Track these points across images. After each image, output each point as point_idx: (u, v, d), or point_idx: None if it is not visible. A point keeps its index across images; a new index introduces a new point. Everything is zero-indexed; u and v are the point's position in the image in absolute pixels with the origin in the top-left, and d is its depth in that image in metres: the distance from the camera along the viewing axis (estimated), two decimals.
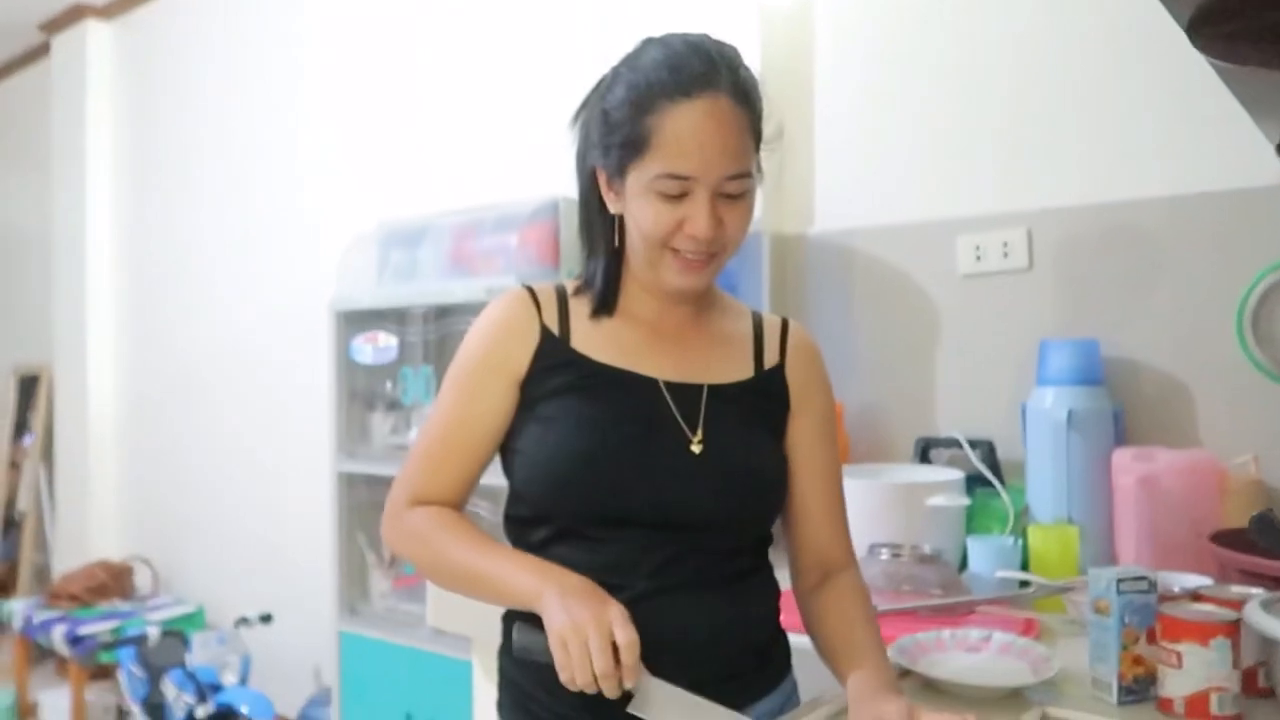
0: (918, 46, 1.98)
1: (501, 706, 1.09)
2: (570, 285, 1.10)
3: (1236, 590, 1.16)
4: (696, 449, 1.01)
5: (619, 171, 1.01)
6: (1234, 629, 1.01)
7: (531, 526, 1.05)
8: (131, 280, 3.98)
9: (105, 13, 4.04)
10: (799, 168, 2.13)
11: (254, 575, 3.38)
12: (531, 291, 1.08)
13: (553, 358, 1.04)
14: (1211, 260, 1.64)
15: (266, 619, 2.99)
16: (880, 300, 1.99)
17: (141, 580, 3.70)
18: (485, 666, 1.71)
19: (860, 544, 1.54)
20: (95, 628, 3.24)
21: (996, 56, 1.87)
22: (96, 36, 4.04)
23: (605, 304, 1.07)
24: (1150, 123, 1.71)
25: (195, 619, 3.45)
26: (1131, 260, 1.71)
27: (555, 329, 1.05)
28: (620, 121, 0.99)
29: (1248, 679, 1.04)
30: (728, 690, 0.98)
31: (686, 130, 0.95)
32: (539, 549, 1.03)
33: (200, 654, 2.79)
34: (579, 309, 1.08)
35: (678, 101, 0.95)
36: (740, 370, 1.08)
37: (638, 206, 0.99)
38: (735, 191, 0.98)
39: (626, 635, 0.87)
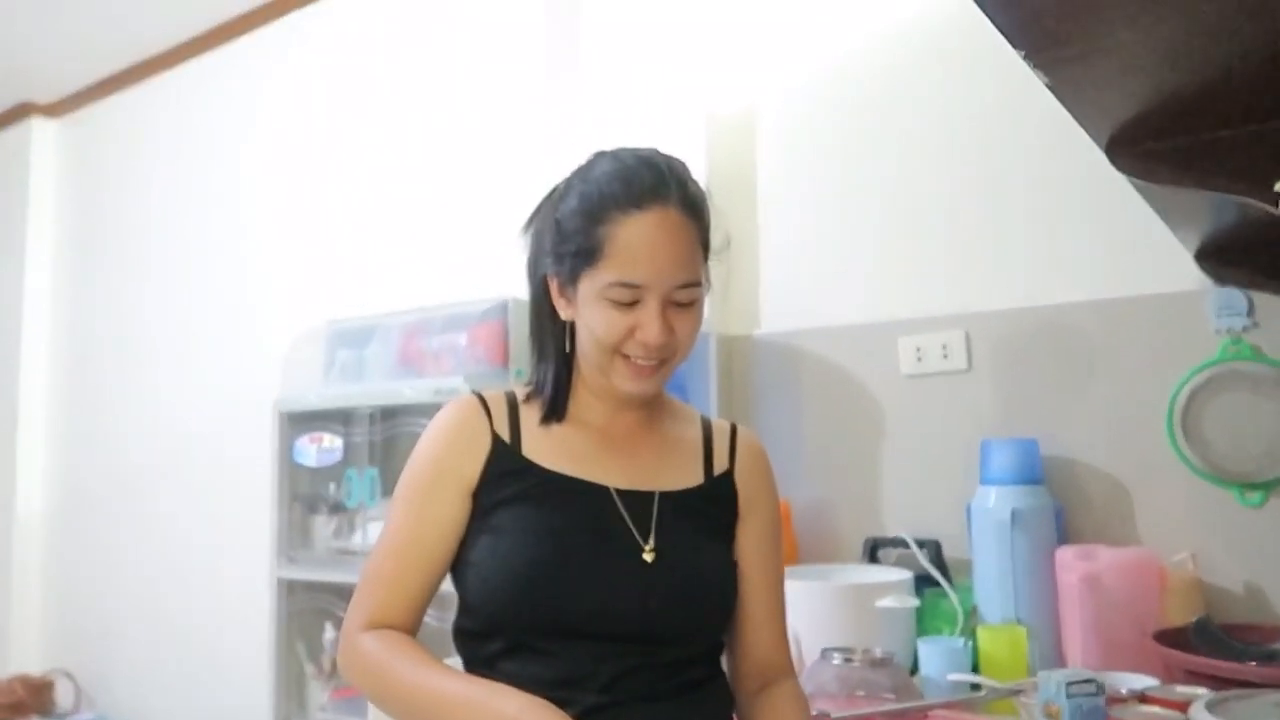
0: (860, 156, 2.06)
1: None
2: (520, 391, 1.11)
3: (1182, 691, 1.17)
4: (649, 557, 1.00)
5: (571, 279, 1.03)
6: None
7: (482, 640, 1.03)
8: (68, 373, 3.88)
9: (51, 110, 4.04)
10: (745, 270, 2.18)
11: (186, 687, 3.22)
12: (482, 399, 1.08)
13: (504, 465, 1.04)
14: (1141, 362, 1.70)
15: None
16: (826, 400, 2.02)
17: (63, 695, 3.50)
18: None
19: (812, 647, 1.53)
20: None
21: (935, 166, 1.96)
22: (41, 132, 4.03)
23: (555, 410, 1.08)
24: (1080, 230, 1.79)
25: None
26: (1066, 361, 1.77)
27: (506, 436, 1.06)
28: (573, 231, 1.01)
29: None
30: None
31: (638, 240, 0.98)
32: (490, 662, 1.01)
33: None
34: (529, 416, 1.08)
35: (629, 213, 0.98)
36: (691, 477, 1.09)
37: (590, 313, 1.02)
38: (685, 300, 1.01)
39: None
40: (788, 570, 1.73)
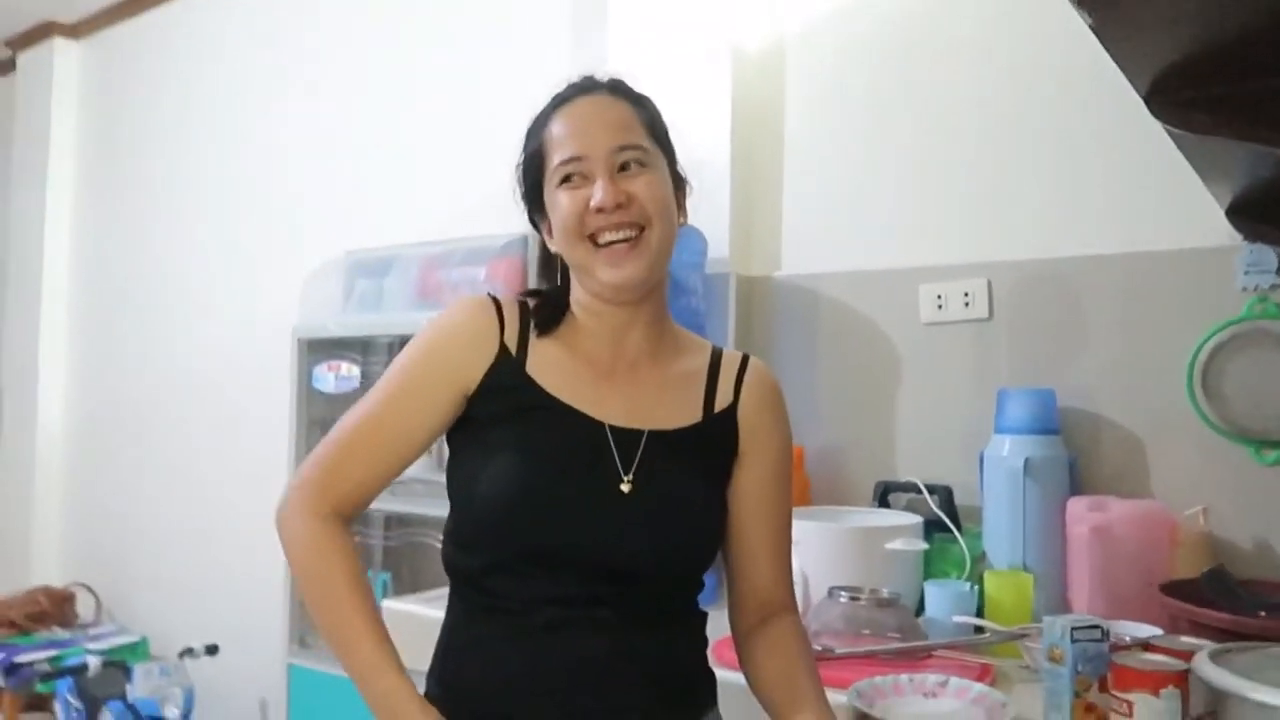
0: (888, 98, 2.03)
1: None
2: (533, 304, 1.10)
3: (1186, 641, 1.18)
4: (625, 488, 1.00)
5: (536, 197, 1.07)
6: (1183, 679, 1.04)
7: (464, 549, 1.04)
8: (88, 300, 3.91)
9: (74, 31, 4.01)
10: (768, 211, 2.16)
11: (201, 605, 3.30)
12: (497, 303, 1.07)
13: (505, 378, 1.04)
14: (1164, 317, 1.68)
15: (213, 650, 2.91)
16: (844, 345, 2.02)
17: (84, 608, 3.59)
18: None
19: (820, 586, 1.56)
20: (33, 656, 3.14)
21: (963, 114, 1.92)
22: (64, 55, 4.00)
23: (546, 315, 1.08)
24: (1107, 182, 1.76)
25: (138, 649, 3.36)
26: (1087, 313, 1.76)
27: (514, 348, 1.05)
28: (525, 156, 1.08)
29: None
30: (652, 712, 1.00)
31: (570, 121, 1.04)
32: (471, 575, 1.03)
33: (142, 686, 2.71)
34: (536, 330, 1.08)
35: (561, 106, 1.06)
36: (688, 415, 1.08)
37: (554, 212, 1.04)
38: (631, 160, 1.02)
39: None
40: (799, 511, 1.75)
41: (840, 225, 2.08)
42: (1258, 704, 0.93)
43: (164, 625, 3.43)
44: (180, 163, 3.54)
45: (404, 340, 2.25)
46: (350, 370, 2.37)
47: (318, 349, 2.44)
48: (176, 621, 3.37)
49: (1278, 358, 1.57)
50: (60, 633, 3.39)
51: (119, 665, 2.76)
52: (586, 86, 1.07)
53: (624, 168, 1.02)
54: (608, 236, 1.01)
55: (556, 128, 1.04)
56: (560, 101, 1.06)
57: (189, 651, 2.87)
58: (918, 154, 1.98)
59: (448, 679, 1.04)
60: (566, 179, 1.02)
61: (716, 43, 2.16)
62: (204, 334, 3.38)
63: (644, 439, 1.04)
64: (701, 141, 1.91)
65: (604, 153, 1.01)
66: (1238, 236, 1.58)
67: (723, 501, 1.09)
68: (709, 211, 1.80)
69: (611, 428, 1.03)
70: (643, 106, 1.07)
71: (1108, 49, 0.86)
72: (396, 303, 2.40)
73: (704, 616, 1.10)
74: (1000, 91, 1.88)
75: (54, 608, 3.47)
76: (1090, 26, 0.81)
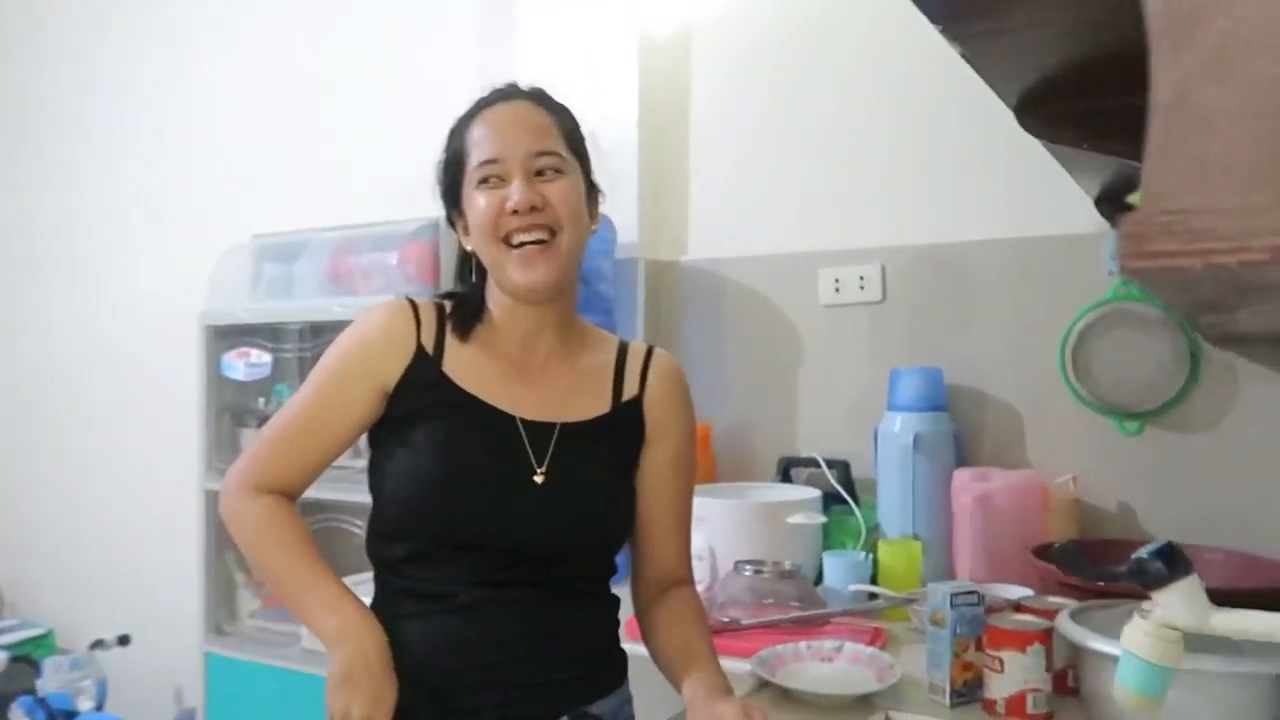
0: (792, 89, 2.10)
1: None
2: (449, 307, 1.15)
3: (1052, 601, 1.30)
4: (539, 479, 1.06)
5: (454, 195, 1.11)
6: (1047, 637, 1.15)
7: (388, 541, 1.10)
8: None
9: None
10: (675, 196, 2.22)
11: (109, 596, 3.24)
12: (414, 305, 1.12)
13: (422, 376, 1.09)
14: (1041, 299, 1.81)
15: (124, 641, 2.86)
16: (748, 326, 2.11)
17: None
18: None
19: (727, 560, 1.65)
20: None
21: (863, 105, 2.02)
22: None
23: (463, 318, 1.13)
24: (992, 173, 1.87)
25: (45, 642, 3.27)
26: (972, 295, 1.88)
27: (430, 348, 1.10)
28: (446, 156, 1.12)
29: (1059, 680, 1.18)
30: (565, 687, 1.06)
31: (489, 125, 1.09)
32: (396, 566, 1.09)
33: (52, 679, 2.66)
34: (452, 331, 1.13)
35: (483, 110, 1.11)
36: (596, 406, 1.14)
37: (471, 212, 1.09)
38: (547, 167, 1.08)
39: None
40: (706, 488, 1.85)
41: (744, 211, 2.15)
42: (1102, 654, 1.04)
43: (70, 617, 3.34)
44: (73, 138, 3.40)
45: (315, 327, 2.28)
46: (261, 357, 2.35)
47: (226, 335, 2.41)
48: (83, 613, 3.29)
49: (1139, 336, 1.71)
50: None
51: (26, 660, 2.70)
52: (509, 93, 1.12)
53: (540, 173, 1.07)
54: (520, 238, 1.06)
55: (477, 130, 1.09)
56: (482, 105, 1.11)
57: (100, 643, 2.82)
58: (818, 142, 2.07)
59: None
60: (485, 180, 1.07)
61: (624, 28, 2.20)
62: (104, 313, 3.28)
63: (556, 431, 1.10)
64: (610, 128, 1.95)
65: (521, 156, 1.06)
66: (1105, 224, 1.71)
67: (632, 487, 1.16)
68: (618, 198, 1.85)
69: (524, 421, 1.09)
70: (561, 116, 1.12)
71: (978, 73, 0.95)
72: (307, 288, 2.38)
73: (616, 599, 1.17)
74: (898, 84, 1.97)
75: None
76: (961, 55, 0.89)
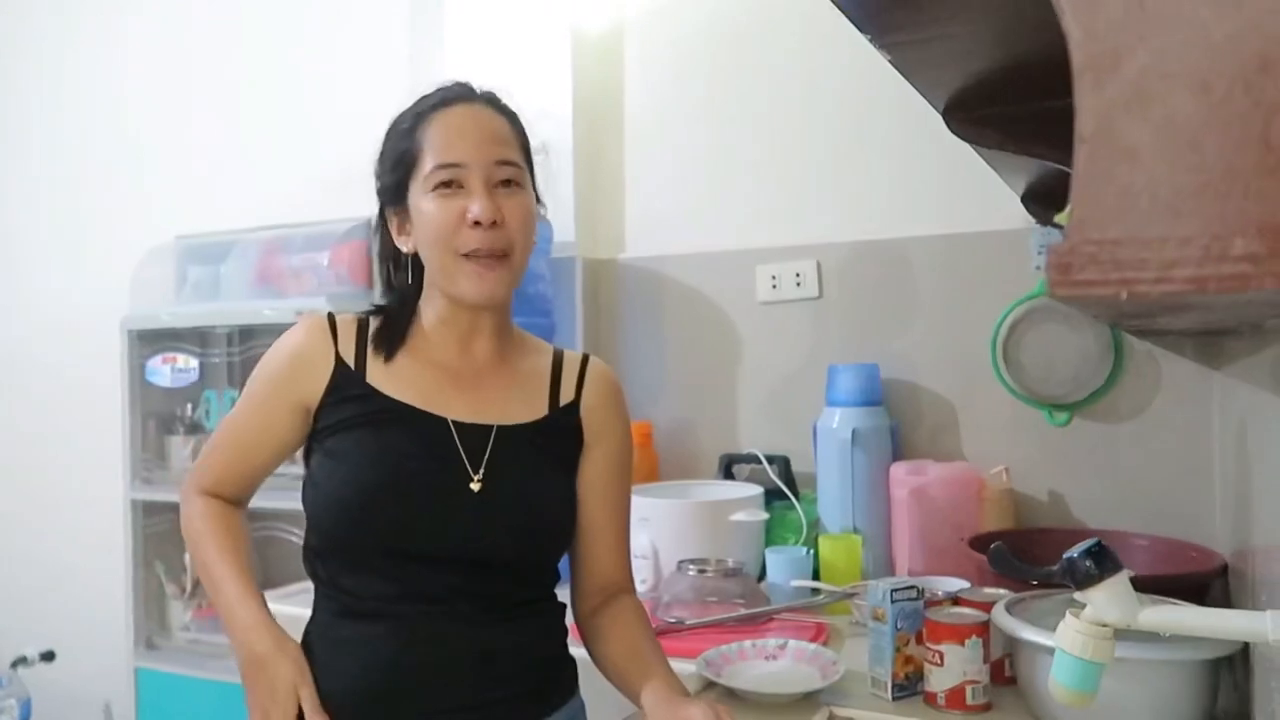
0: (726, 86, 2.11)
1: None
2: (373, 320, 1.13)
3: (989, 592, 1.33)
4: (475, 487, 1.04)
5: (399, 194, 1.08)
6: (984, 629, 1.18)
7: (324, 556, 1.07)
8: None
9: None
10: (611, 194, 2.21)
11: (27, 611, 3.12)
12: (332, 320, 1.10)
13: (345, 390, 1.07)
14: (971, 293, 1.85)
15: (49, 657, 2.77)
16: (687, 324, 2.11)
17: None
18: None
19: (670, 560, 1.65)
20: None
21: (796, 102, 2.03)
22: None
23: (389, 340, 1.10)
24: (924, 170, 1.90)
25: None
26: (906, 291, 1.91)
27: (351, 361, 1.08)
28: (394, 149, 1.08)
29: (996, 670, 1.21)
30: (514, 705, 1.05)
31: (451, 125, 1.05)
32: (332, 578, 1.07)
33: None
34: (377, 346, 1.10)
35: (439, 110, 1.07)
36: (533, 410, 1.13)
37: (421, 216, 1.06)
38: (507, 177, 1.06)
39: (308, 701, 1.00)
40: (649, 487, 1.85)
41: (681, 208, 2.15)
42: (1036, 645, 1.07)
43: None
44: None
45: (244, 330, 2.22)
46: (188, 362, 2.29)
47: (150, 340, 2.34)
48: (7, 625, 3.18)
49: (1064, 330, 1.75)
50: None
51: None
52: (466, 95, 1.08)
53: (503, 183, 1.05)
54: (477, 249, 1.04)
55: (434, 131, 1.05)
56: (438, 105, 1.07)
57: (22, 660, 2.73)
58: (753, 139, 2.08)
59: (315, 682, 1.06)
60: (443, 184, 1.03)
61: (556, 24, 2.18)
62: (15, 320, 3.16)
63: (493, 434, 1.08)
64: (544, 125, 1.93)
65: (484, 164, 1.04)
66: (1032, 221, 1.75)
67: (573, 490, 1.15)
68: (554, 197, 1.83)
69: (457, 424, 1.07)
70: (516, 124, 1.10)
71: (906, 79, 0.96)
72: (235, 290, 2.32)
73: (562, 606, 1.16)
74: (832, 81, 1.99)
75: None
76: (890, 62, 0.89)
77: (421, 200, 1.05)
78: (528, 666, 1.08)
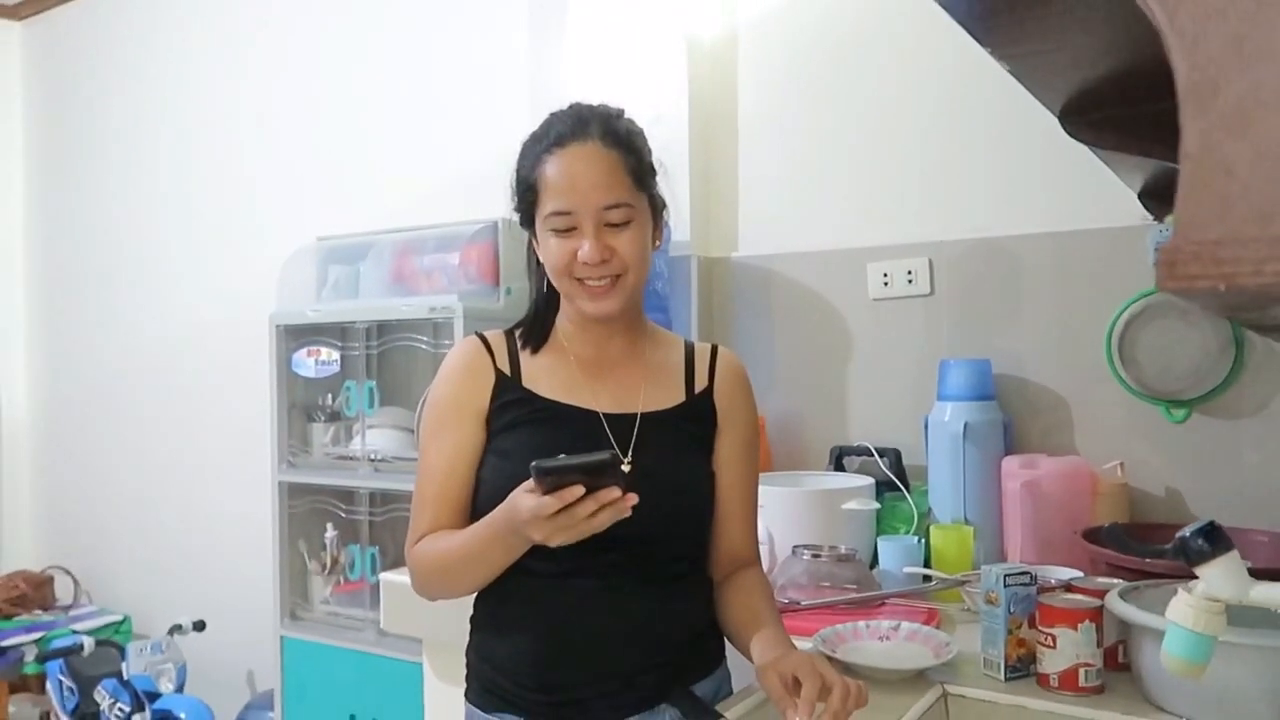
0: (837, 87, 2.16)
1: (469, 693, 1.24)
2: (518, 333, 1.26)
3: (1101, 581, 1.36)
4: (626, 468, 1.14)
5: (529, 220, 1.20)
6: (1098, 614, 1.21)
7: None
8: (47, 283, 3.93)
9: (14, 13, 3.97)
10: (725, 195, 2.29)
11: (182, 584, 3.40)
12: (484, 339, 1.24)
13: (508, 395, 1.20)
14: (1085, 290, 1.86)
15: (200, 626, 3.02)
16: (798, 321, 2.17)
17: (62, 590, 3.66)
18: (438, 667, 1.82)
19: (784, 545, 1.72)
20: (17, 639, 3.22)
21: (908, 101, 2.07)
22: (4, 35, 3.97)
23: (534, 338, 1.24)
24: (1037, 168, 1.92)
25: (121, 629, 3.45)
26: (1018, 287, 1.93)
27: (508, 370, 1.22)
28: (520, 181, 1.19)
29: (1109, 656, 1.24)
30: (667, 670, 1.15)
31: (562, 173, 1.14)
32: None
33: (136, 663, 2.82)
34: (526, 350, 1.24)
35: (553, 152, 1.15)
36: (672, 397, 1.24)
37: (544, 248, 1.18)
38: (618, 220, 1.14)
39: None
40: (762, 476, 1.92)
41: (793, 208, 2.22)
42: (1150, 630, 1.10)
43: (145, 605, 3.52)
44: (139, 146, 3.55)
45: (381, 325, 2.38)
46: (330, 355, 2.47)
47: (295, 334, 2.53)
48: (157, 601, 3.46)
49: (1182, 327, 1.75)
50: (42, 615, 3.46)
51: (112, 644, 2.86)
52: (579, 132, 1.14)
53: (610, 224, 1.14)
54: (590, 279, 1.16)
55: (551, 172, 1.14)
56: (554, 144, 1.14)
57: (177, 628, 2.98)
58: (864, 139, 2.13)
59: (484, 652, 1.21)
60: (557, 228, 1.15)
61: (671, 32, 2.27)
62: (173, 317, 3.44)
63: (637, 421, 1.19)
64: (660, 129, 2.03)
65: (592, 210, 1.13)
66: (1149, 217, 1.76)
67: (711, 471, 1.25)
68: (670, 198, 1.92)
69: (606, 415, 1.19)
70: (630, 152, 1.16)
71: (1025, 86, 1.01)
72: (372, 288, 2.49)
73: (710, 580, 1.26)
74: (942, 80, 2.02)
75: (33, 591, 3.54)
76: (1008, 71, 0.95)
77: (543, 234, 1.17)
78: (682, 635, 1.18)
